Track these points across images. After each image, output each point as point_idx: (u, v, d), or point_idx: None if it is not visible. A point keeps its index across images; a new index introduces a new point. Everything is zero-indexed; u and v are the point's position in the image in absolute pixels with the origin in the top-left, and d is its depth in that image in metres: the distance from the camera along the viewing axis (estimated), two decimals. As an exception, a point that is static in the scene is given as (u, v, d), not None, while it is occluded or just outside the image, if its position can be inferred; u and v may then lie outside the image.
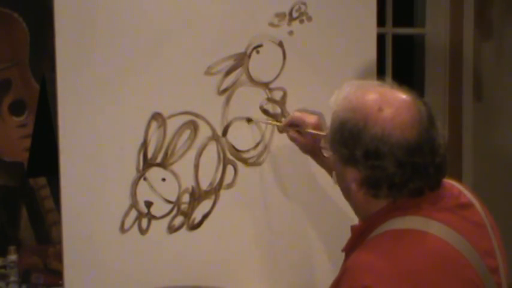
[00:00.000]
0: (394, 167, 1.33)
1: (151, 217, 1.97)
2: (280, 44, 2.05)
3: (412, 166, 1.33)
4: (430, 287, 1.28)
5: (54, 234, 2.75)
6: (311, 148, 1.87)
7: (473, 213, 1.43)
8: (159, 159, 1.96)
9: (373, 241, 1.36)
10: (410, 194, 1.36)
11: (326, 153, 1.50)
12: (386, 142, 1.32)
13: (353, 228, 1.49)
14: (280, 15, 2.05)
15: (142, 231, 1.96)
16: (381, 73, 2.50)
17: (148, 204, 1.96)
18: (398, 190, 1.35)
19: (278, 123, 1.98)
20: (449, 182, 1.45)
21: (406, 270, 1.28)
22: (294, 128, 1.89)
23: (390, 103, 1.36)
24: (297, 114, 1.91)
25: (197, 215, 2.01)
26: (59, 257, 2.17)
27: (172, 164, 1.97)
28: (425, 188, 1.37)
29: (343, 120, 1.37)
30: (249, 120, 2.00)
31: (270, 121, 2.01)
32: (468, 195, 1.46)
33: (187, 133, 1.98)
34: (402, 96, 1.38)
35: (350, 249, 1.44)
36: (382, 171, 1.34)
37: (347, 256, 1.45)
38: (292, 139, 1.90)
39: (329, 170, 1.81)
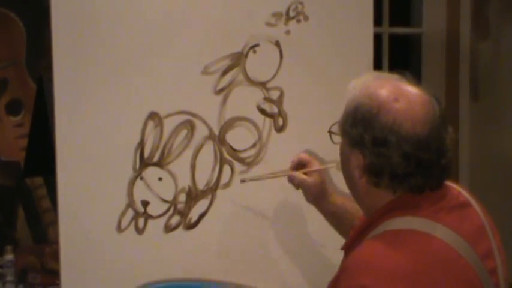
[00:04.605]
0: (399, 158, 1.34)
1: (147, 216, 1.97)
2: (277, 44, 2.05)
3: (416, 160, 1.34)
4: (428, 287, 1.28)
5: (51, 234, 2.75)
6: (319, 189, 1.84)
7: (472, 214, 1.43)
8: (155, 159, 1.96)
9: (372, 240, 1.36)
10: (410, 189, 1.37)
11: (335, 139, 1.50)
12: (395, 132, 1.34)
13: (353, 227, 1.49)
14: (277, 15, 2.05)
15: (139, 231, 1.96)
16: (377, 73, 2.50)
17: (145, 203, 1.96)
18: (400, 182, 1.36)
19: (282, 175, 1.91)
20: (448, 182, 1.45)
21: (405, 270, 1.28)
22: (301, 169, 1.87)
23: (406, 96, 1.37)
24: (304, 155, 1.90)
25: (194, 215, 2.01)
26: (55, 256, 2.16)
27: (169, 163, 1.97)
28: (426, 186, 1.38)
29: (358, 104, 1.39)
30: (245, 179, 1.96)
31: (274, 175, 1.95)
32: (467, 196, 1.46)
33: (184, 132, 1.98)
34: (419, 91, 1.40)
35: (349, 247, 1.44)
36: (386, 160, 1.35)
37: (346, 254, 1.45)
38: (302, 181, 1.85)
39: (333, 219, 1.84)
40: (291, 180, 1.87)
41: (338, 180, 1.96)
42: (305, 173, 1.86)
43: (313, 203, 1.88)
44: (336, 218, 1.84)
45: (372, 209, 1.42)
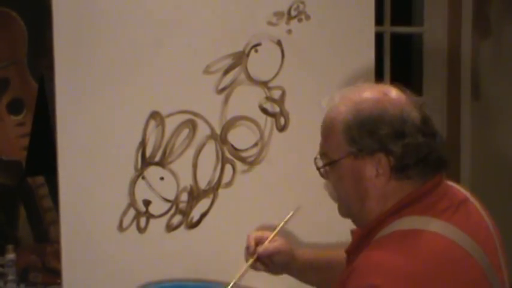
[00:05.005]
0: (422, 138, 1.36)
1: (149, 216, 1.97)
2: (279, 43, 2.05)
3: (431, 135, 1.38)
4: None
5: (53, 233, 2.75)
6: (289, 247, 1.75)
7: (474, 211, 1.43)
8: (157, 158, 1.96)
9: (381, 241, 1.35)
10: (436, 167, 1.39)
11: (325, 172, 1.47)
12: (407, 118, 1.36)
13: (356, 231, 1.49)
14: (278, 14, 2.05)
15: (141, 230, 1.96)
16: (379, 72, 2.50)
17: (147, 203, 1.97)
18: (427, 162, 1.37)
19: (250, 260, 1.72)
20: (447, 181, 1.46)
21: (415, 270, 1.27)
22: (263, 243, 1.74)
23: (387, 89, 1.42)
24: (255, 234, 1.76)
25: (195, 214, 2.01)
26: (57, 256, 2.17)
27: (170, 162, 1.97)
28: (443, 160, 1.40)
29: (356, 112, 1.38)
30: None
31: (245, 270, 1.73)
32: (465, 192, 1.46)
33: (185, 132, 1.98)
34: (386, 85, 1.45)
35: (354, 251, 1.43)
36: (414, 145, 1.36)
37: (349, 258, 1.45)
38: (273, 249, 1.72)
39: (313, 269, 1.77)
40: (262, 257, 1.72)
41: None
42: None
43: (286, 267, 1.76)
44: (315, 267, 1.78)
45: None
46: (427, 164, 1.38)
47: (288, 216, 1.78)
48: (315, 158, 1.48)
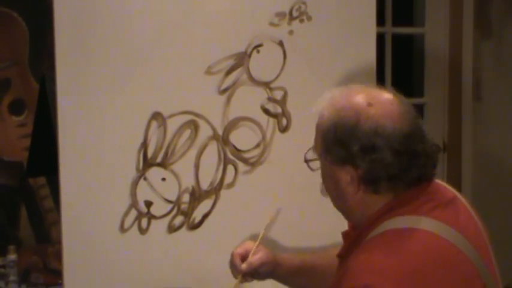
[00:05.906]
0: (392, 157, 1.34)
1: (151, 217, 1.97)
2: (281, 44, 2.05)
3: (408, 154, 1.35)
4: (431, 286, 1.29)
5: (54, 233, 2.74)
6: (272, 254, 1.72)
7: (463, 208, 1.45)
8: (159, 159, 1.96)
9: (372, 241, 1.36)
10: (409, 185, 1.38)
11: (314, 165, 1.48)
12: (381, 134, 1.34)
13: (347, 233, 1.49)
14: (280, 15, 2.05)
15: (142, 231, 1.96)
16: (380, 72, 2.49)
17: (148, 203, 1.96)
18: (398, 180, 1.37)
19: (239, 277, 1.68)
20: (435, 181, 1.46)
21: (407, 269, 1.28)
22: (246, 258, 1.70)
23: (376, 98, 1.39)
24: (239, 249, 1.71)
25: (197, 215, 2.01)
26: (58, 256, 2.17)
27: (172, 163, 1.97)
28: (423, 177, 1.39)
29: (335, 119, 1.39)
30: None
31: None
32: (453, 190, 1.47)
33: (187, 133, 1.98)
34: (385, 92, 1.43)
35: (345, 254, 1.44)
36: (381, 163, 1.35)
37: (341, 262, 1.45)
38: (259, 260, 1.68)
39: (302, 273, 1.75)
40: (251, 270, 1.68)
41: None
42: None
43: (271, 275, 1.74)
44: (299, 273, 1.76)
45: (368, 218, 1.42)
46: (400, 182, 1.37)
47: (268, 222, 1.75)
48: (309, 149, 1.49)
